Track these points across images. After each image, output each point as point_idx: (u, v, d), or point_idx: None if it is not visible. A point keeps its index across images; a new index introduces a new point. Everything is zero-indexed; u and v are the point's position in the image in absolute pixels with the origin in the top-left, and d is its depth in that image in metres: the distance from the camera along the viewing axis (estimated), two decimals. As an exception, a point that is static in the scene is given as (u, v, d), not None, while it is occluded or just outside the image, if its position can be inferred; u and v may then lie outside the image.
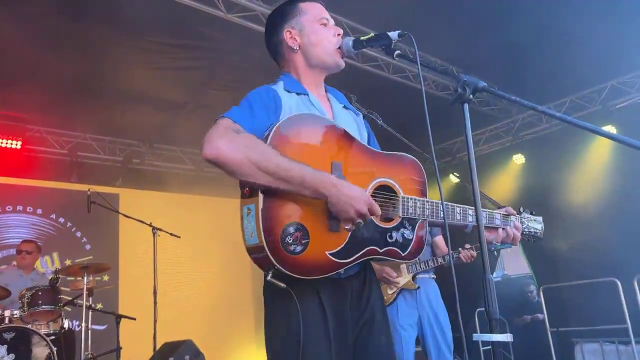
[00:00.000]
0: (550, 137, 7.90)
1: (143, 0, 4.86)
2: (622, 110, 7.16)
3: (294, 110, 1.74)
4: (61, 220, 7.27)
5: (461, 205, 1.96)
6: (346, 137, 1.75)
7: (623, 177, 6.70)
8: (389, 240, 1.77)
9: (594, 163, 7.22)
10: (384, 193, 1.79)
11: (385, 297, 3.70)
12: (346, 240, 1.65)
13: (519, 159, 8.15)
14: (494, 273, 9.65)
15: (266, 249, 1.51)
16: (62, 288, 5.40)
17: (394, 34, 1.72)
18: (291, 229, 1.55)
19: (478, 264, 1.51)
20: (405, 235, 1.81)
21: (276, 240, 1.52)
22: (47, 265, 6.95)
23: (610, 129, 7.05)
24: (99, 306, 6.05)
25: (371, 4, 5.36)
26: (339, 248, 1.63)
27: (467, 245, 3.71)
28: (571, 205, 7.11)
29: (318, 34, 1.87)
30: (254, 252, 1.56)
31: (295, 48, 1.87)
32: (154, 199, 7.83)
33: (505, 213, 2.07)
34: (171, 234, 5.87)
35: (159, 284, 5.49)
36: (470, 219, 1.97)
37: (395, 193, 1.81)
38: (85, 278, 4.98)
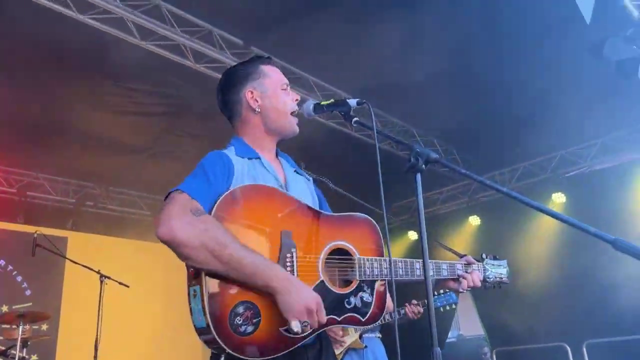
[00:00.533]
0: (504, 200, 8.12)
1: (109, 44, 4.86)
2: (572, 179, 7.51)
3: (245, 175, 1.72)
4: (1, 262, 6.86)
5: (420, 260, 1.88)
6: (296, 204, 1.73)
7: (574, 241, 6.93)
8: (347, 306, 1.71)
9: (546, 227, 7.46)
10: (339, 257, 1.76)
11: None
12: None
13: (474, 220, 8.34)
14: (450, 333, 9.62)
15: (214, 333, 1.45)
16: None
17: (352, 102, 1.77)
18: (240, 309, 1.49)
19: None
20: (364, 298, 1.75)
21: (224, 322, 1.46)
22: (-20, 312, 6.48)
23: (560, 196, 7.37)
24: (34, 358, 5.64)
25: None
26: None
27: (414, 301, 3.68)
28: (523, 268, 7.26)
29: (279, 99, 1.89)
30: (203, 335, 1.50)
31: (256, 109, 1.87)
32: (105, 244, 7.53)
33: (466, 262, 2.09)
34: (120, 283, 5.61)
35: (103, 335, 5.19)
36: (431, 272, 1.93)
37: (351, 255, 1.77)
38: (21, 327, 4.65)
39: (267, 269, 1.52)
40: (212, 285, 1.50)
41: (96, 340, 5.10)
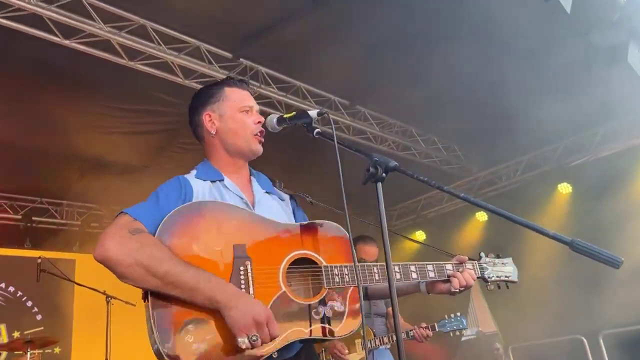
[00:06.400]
0: (510, 193, 8.05)
1: (100, 67, 4.89)
2: (577, 168, 7.38)
3: (206, 196, 1.71)
4: (11, 289, 6.92)
5: (399, 263, 1.83)
6: (253, 218, 1.70)
7: (584, 231, 6.80)
8: (315, 317, 1.64)
9: (555, 217, 7.35)
10: (305, 266, 1.71)
11: None
12: None
13: (481, 216, 8.24)
14: (468, 330, 9.51)
15: (165, 356, 1.42)
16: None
17: (313, 113, 1.75)
18: (190, 327, 1.46)
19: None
20: (335, 308, 1.68)
21: (175, 343, 1.44)
22: (-7, 339, 6.54)
23: (566, 186, 7.27)
24: (46, 383, 5.68)
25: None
26: None
27: (423, 325, 3.63)
28: (534, 262, 7.14)
29: (236, 122, 1.87)
30: (159, 357, 1.47)
31: (212, 132, 1.87)
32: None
33: (457, 262, 1.98)
34: (126, 302, 5.62)
35: (114, 355, 5.20)
36: (414, 275, 1.85)
37: (317, 264, 1.72)
38: (29, 353, 4.68)
39: (210, 284, 1.49)
40: (158, 304, 1.47)
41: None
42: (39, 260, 5.33)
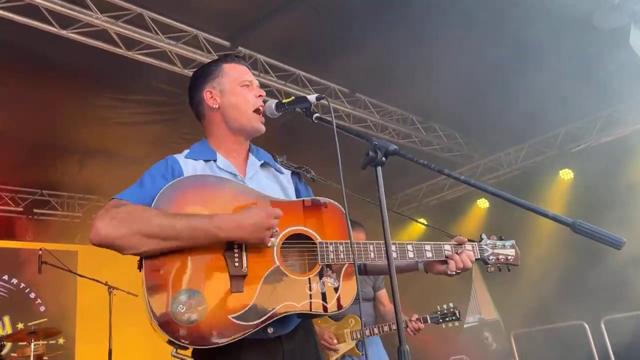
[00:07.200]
0: (511, 181, 8.03)
1: (98, 57, 4.86)
2: (579, 154, 7.35)
3: (198, 174, 1.72)
4: (14, 281, 6.95)
5: (396, 242, 1.81)
6: (247, 191, 1.69)
7: (586, 213, 6.80)
8: (308, 292, 1.63)
9: (557, 203, 7.34)
10: (300, 241, 1.70)
11: None
12: (253, 300, 1.55)
13: (483, 203, 8.23)
14: (471, 317, 9.53)
15: (156, 324, 1.44)
16: (13, 354, 5.11)
17: (312, 97, 1.73)
18: (183, 297, 1.47)
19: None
20: (328, 284, 1.67)
21: (166, 312, 1.45)
22: (-4, 330, 6.59)
23: (567, 172, 7.25)
24: (51, 373, 5.71)
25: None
26: (244, 310, 1.53)
27: (415, 316, 3.50)
28: (536, 247, 7.15)
29: (238, 96, 1.86)
30: (154, 329, 1.48)
31: (214, 107, 1.86)
32: (115, 256, 7.53)
33: (456, 243, 1.94)
34: (128, 292, 5.64)
35: (117, 345, 5.23)
36: (410, 254, 1.83)
37: (313, 240, 1.71)
38: (33, 344, 4.71)
39: (204, 221, 1.51)
40: (150, 275, 1.48)
41: (109, 351, 5.15)
42: (40, 252, 5.33)
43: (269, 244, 1.57)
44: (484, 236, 2.06)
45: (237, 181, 1.73)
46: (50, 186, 7.25)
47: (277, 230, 1.57)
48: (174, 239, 1.48)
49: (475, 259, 1.96)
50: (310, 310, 1.63)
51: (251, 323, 1.52)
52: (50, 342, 6.18)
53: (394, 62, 5.67)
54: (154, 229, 1.47)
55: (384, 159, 1.44)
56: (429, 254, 1.88)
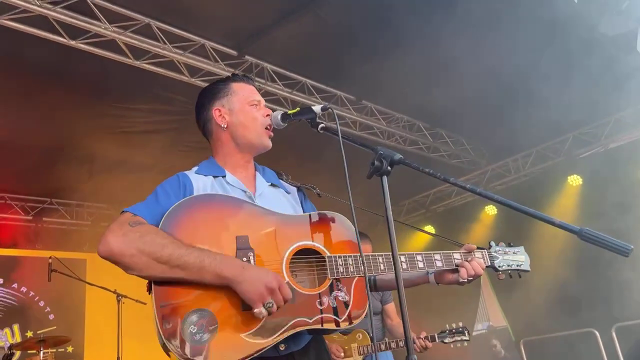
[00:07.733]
0: (519, 187, 7.99)
1: (107, 67, 4.91)
2: (587, 160, 7.31)
3: (208, 191, 1.73)
4: (23, 289, 7.00)
5: (406, 253, 1.80)
6: (256, 209, 1.70)
7: (595, 219, 6.73)
8: (319, 307, 1.62)
9: (565, 209, 7.29)
10: (308, 257, 1.70)
11: None
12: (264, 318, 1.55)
13: (491, 210, 8.19)
14: (480, 325, 9.46)
15: (168, 346, 1.44)
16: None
17: (317, 108, 1.73)
18: (194, 318, 1.46)
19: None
20: (339, 298, 1.66)
21: (178, 333, 1.44)
22: (6, 338, 6.61)
23: (576, 178, 7.20)
24: (60, 381, 5.73)
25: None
26: (256, 328, 1.52)
27: (423, 334, 3.45)
28: (545, 254, 7.09)
29: (247, 115, 1.88)
30: (166, 351, 1.48)
31: (223, 126, 1.87)
32: (123, 263, 7.59)
33: (465, 251, 1.93)
34: (136, 301, 5.65)
35: (126, 353, 5.24)
36: (420, 264, 1.81)
37: (321, 255, 1.70)
38: (42, 352, 4.73)
39: (215, 260, 1.50)
40: (161, 296, 1.48)
41: (118, 358, 5.15)
42: (50, 260, 5.36)
43: (258, 315, 1.49)
44: (492, 243, 2.04)
45: (246, 199, 1.74)
46: (59, 194, 7.31)
47: (271, 304, 1.49)
48: (181, 270, 1.48)
49: (486, 267, 1.95)
50: (322, 326, 1.62)
51: (263, 341, 1.51)
52: (59, 350, 6.21)
53: (399, 69, 5.67)
54: (164, 257, 1.47)
55: (389, 168, 1.44)
56: (439, 263, 1.86)
